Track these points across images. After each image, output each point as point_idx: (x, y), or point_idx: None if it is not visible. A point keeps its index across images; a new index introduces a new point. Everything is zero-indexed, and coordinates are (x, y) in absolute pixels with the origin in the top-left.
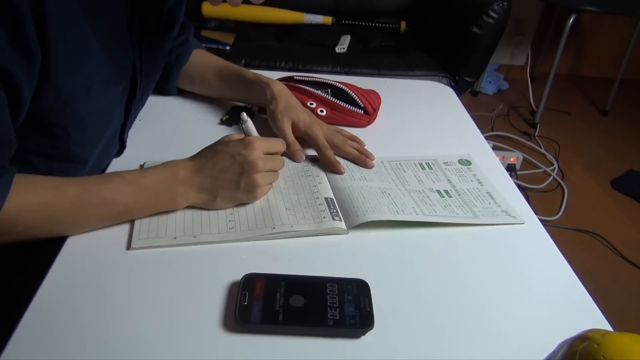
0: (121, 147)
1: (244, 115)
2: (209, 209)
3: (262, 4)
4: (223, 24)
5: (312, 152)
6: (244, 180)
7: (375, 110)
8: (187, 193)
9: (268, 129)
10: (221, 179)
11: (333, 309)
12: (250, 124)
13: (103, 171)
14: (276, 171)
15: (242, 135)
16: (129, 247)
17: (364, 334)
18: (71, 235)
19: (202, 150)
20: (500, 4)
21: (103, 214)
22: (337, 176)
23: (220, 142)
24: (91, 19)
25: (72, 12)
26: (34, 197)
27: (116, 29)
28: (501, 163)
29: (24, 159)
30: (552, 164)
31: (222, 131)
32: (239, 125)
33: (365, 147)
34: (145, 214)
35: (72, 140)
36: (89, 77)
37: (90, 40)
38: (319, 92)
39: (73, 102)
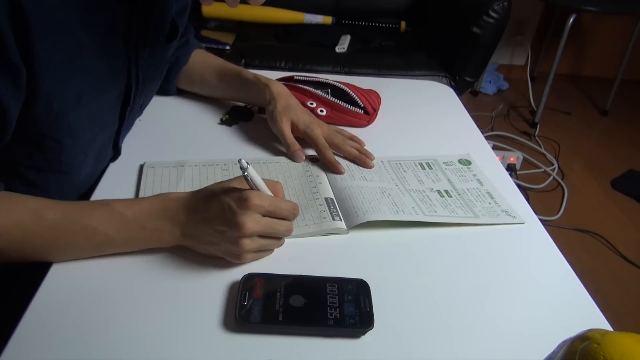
0: (115, 154)
1: (243, 162)
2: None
3: (263, 4)
4: (223, 24)
5: (312, 152)
6: (227, 239)
7: (375, 110)
8: (175, 231)
9: (268, 129)
10: (204, 229)
11: (333, 309)
12: (252, 172)
13: (99, 176)
14: (279, 238)
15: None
16: None
17: (364, 334)
18: (52, 262)
19: (205, 187)
20: (500, 4)
21: (82, 244)
22: (337, 176)
23: (225, 186)
24: (84, 28)
25: (62, 24)
26: (10, 218)
27: (110, 36)
28: (501, 163)
29: (17, 173)
30: (552, 164)
31: (222, 131)
32: (242, 167)
33: (365, 147)
34: (130, 248)
35: (64, 150)
36: (79, 85)
37: (82, 50)
38: (319, 92)
39: (64, 113)
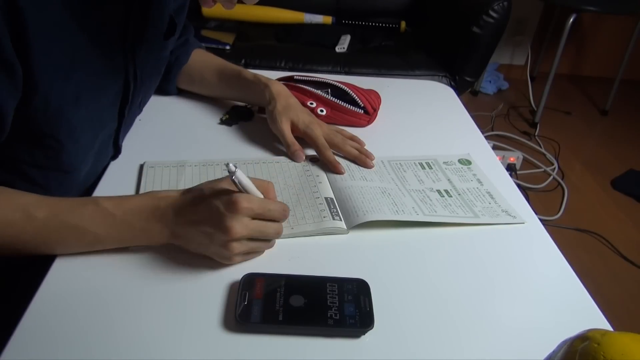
0: (116, 152)
1: (231, 165)
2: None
3: (262, 4)
4: (223, 24)
5: (312, 152)
6: (215, 242)
7: (375, 110)
8: (163, 231)
9: (268, 129)
10: (192, 231)
11: (333, 309)
12: (240, 175)
13: (100, 175)
14: (268, 241)
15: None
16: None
17: (364, 334)
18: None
19: (195, 187)
20: (500, 4)
21: (72, 242)
22: (337, 176)
23: (214, 187)
24: (80, 26)
25: (59, 22)
26: (0, 217)
27: (106, 34)
28: (501, 163)
29: (19, 170)
30: (552, 164)
31: (222, 131)
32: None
33: (365, 147)
34: (119, 246)
35: (64, 149)
36: (77, 84)
37: (79, 48)
38: (319, 91)
39: (63, 111)
